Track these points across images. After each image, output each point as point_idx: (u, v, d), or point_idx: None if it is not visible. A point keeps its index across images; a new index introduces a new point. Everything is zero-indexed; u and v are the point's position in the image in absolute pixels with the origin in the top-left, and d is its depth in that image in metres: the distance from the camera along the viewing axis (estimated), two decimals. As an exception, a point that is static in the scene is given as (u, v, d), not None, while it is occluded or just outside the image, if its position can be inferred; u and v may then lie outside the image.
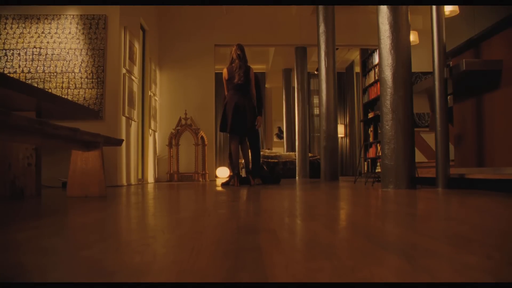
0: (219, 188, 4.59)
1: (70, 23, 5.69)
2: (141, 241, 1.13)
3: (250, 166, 5.44)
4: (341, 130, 13.00)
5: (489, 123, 3.64)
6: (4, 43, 5.58)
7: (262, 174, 5.22)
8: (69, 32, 5.67)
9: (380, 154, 7.34)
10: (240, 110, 5.08)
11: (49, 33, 5.64)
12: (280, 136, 13.82)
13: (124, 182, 5.95)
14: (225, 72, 5.28)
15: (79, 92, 5.59)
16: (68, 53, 5.63)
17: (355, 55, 11.79)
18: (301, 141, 9.27)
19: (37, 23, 5.65)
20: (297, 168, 9.25)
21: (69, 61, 5.62)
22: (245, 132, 5.22)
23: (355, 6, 8.43)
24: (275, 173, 9.66)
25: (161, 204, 2.39)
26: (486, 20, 3.54)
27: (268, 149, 13.34)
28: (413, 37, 7.28)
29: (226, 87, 5.28)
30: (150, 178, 7.83)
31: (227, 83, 5.25)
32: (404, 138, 3.69)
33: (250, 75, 5.23)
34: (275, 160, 9.94)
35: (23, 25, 5.63)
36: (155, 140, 8.38)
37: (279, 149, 13.28)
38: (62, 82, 5.59)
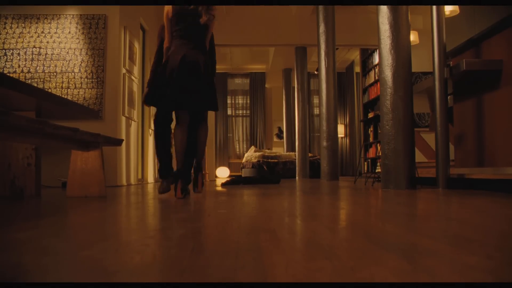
0: (219, 188, 4.60)
1: (70, 22, 5.69)
2: (141, 241, 1.13)
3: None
4: (341, 130, 13.00)
5: (490, 123, 3.64)
6: (3, 43, 5.58)
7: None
8: (69, 32, 5.67)
9: (380, 154, 7.34)
10: (193, 68, 2.97)
11: (49, 32, 5.64)
12: (280, 136, 13.82)
13: (124, 182, 5.95)
14: (169, 8, 3.10)
15: (79, 92, 5.59)
16: (68, 53, 5.63)
17: (355, 55, 11.79)
18: (301, 141, 9.27)
19: (36, 22, 5.65)
20: (297, 168, 9.25)
21: (69, 61, 5.62)
22: (202, 107, 3.12)
23: (355, 6, 8.43)
24: (275, 173, 9.66)
25: (161, 204, 2.39)
26: (486, 20, 3.54)
27: (268, 149, 13.34)
28: (413, 37, 7.28)
29: (168, 33, 3.12)
30: (150, 178, 7.82)
31: (171, 25, 3.10)
32: (404, 138, 3.69)
33: (211, 20, 3.18)
34: (275, 160, 9.93)
35: (23, 24, 5.62)
36: (155, 140, 8.37)
37: (279, 149, 13.28)
38: (62, 82, 5.59)
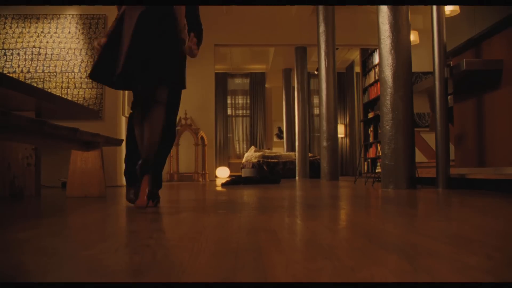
0: (219, 188, 4.59)
1: (70, 22, 5.69)
2: (141, 241, 1.13)
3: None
4: (341, 130, 12.99)
5: (490, 123, 3.64)
6: (3, 43, 5.58)
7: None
8: (69, 32, 5.66)
9: (380, 154, 7.34)
10: (151, 29, 2.21)
11: (49, 32, 5.64)
12: (280, 136, 13.81)
13: (124, 182, 5.95)
14: None
15: (78, 92, 5.59)
16: (67, 52, 5.63)
17: (355, 55, 11.78)
18: (301, 141, 9.27)
19: (36, 22, 5.65)
20: (297, 168, 9.24)
21: (69, 60, 5.62)
22: (163, 80, 2.23)
23: (355, 6, 8.43)
24: (275, 173, 9.66)
25: (160, 204, 2.39)
26: (486, 19, 3.53)
27: (268, 149, 13.34)
28: (413, 36, 7.28)
29: None
30: (150, 178, 7.82)
31: None
32: (404, 138, 3.68)
33: None
34: (275, 160, 9.93)
35: (23, 24, 5.62)
36: (155, 140, 8.37)
37: (279, 149, 13.27)
38: (62, 82, 5.59)
